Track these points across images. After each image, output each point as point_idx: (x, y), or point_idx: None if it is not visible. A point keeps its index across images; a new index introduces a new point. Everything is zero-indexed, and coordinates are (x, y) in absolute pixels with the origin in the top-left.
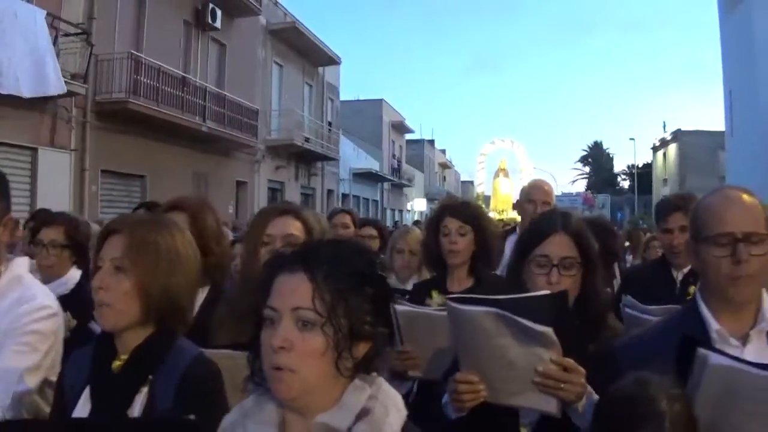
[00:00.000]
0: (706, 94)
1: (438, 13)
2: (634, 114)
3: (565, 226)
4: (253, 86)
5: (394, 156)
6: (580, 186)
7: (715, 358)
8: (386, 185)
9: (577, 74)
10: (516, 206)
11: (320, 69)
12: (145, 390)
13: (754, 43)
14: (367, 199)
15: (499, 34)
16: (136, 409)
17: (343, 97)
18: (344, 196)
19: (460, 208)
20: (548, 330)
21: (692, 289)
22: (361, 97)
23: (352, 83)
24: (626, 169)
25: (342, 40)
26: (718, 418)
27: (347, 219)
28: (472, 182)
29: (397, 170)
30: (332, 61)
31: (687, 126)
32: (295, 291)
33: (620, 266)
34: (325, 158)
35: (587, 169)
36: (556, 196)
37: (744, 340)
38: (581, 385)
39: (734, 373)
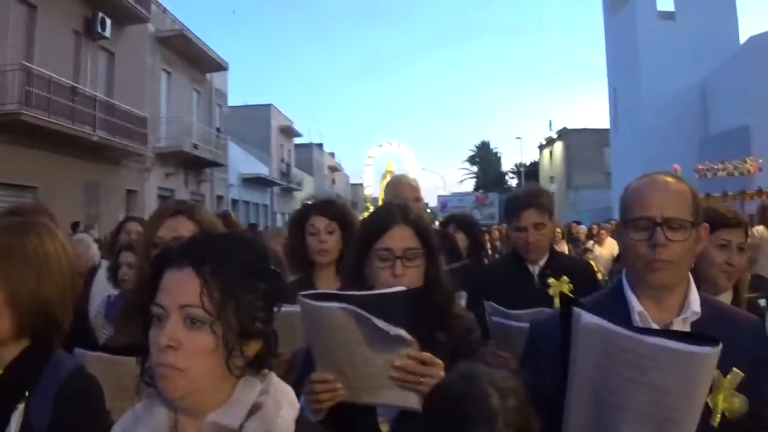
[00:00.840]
0: (592, 93)
1: (328, 19)
2: (521, 113)
3: (405, 218)
4: (142, 94)
5: (282, 160)
6: (468, 186)
7: (586, 317)
8: (275, 189)
9: (465, 76)
10: None
11: (208, 75)
12: (21, 407)
13: (637, 43)
14: (257, 204)
15: (387, 39)
16: (13, 428)
17: (231, 102)
18: (234, 201)
19: (326, 206)
20: (402, 332)
21: (551, 281)
22: (250, 103)
23: (241, 89)
24: (514, 168)
25: (231, 46)
26: (598, 380)
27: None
28: (361, 184)
29: (286, 174)
30: (220, 67)
31: (573, 124)
32: (182, 288)
33: (490, 260)
34: (213, 164)
35: (475, 168)
36: (446, 195)
37: (667, 327)
38: (440, 378)
39: (603, 333)
